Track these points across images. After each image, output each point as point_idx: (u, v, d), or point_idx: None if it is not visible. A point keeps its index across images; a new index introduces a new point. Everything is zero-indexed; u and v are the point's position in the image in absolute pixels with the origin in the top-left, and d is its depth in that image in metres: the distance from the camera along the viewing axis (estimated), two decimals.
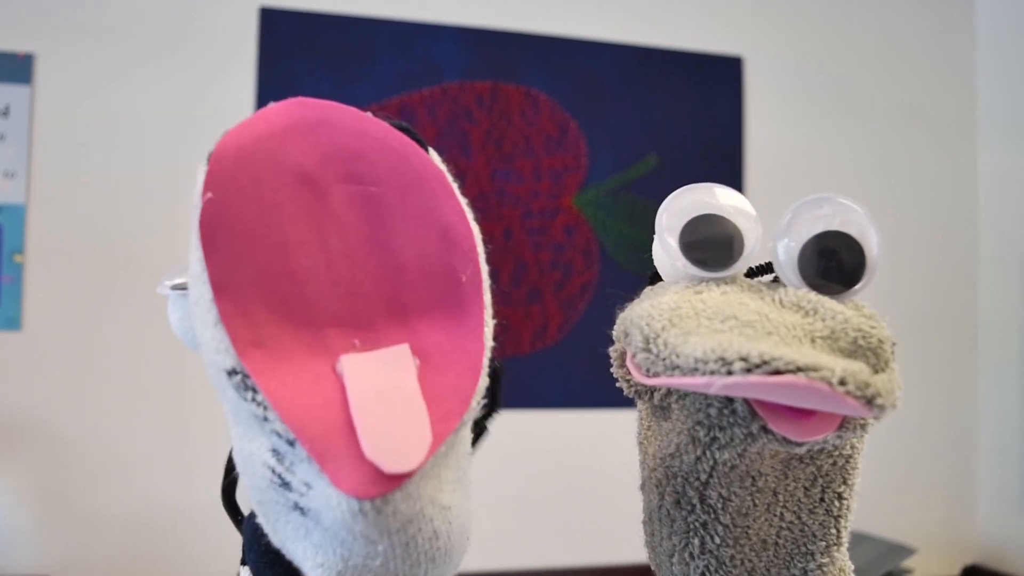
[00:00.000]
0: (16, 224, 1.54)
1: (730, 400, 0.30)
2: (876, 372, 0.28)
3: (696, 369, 0.28)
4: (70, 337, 1.56)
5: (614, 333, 0.36)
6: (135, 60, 1.62)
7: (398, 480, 0.26)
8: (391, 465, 0.25)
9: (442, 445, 0.28)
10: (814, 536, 0.35)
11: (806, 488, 0.35)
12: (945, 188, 2.06)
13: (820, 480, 0.35)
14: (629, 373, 0.37)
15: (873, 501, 2.03)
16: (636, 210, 1.83)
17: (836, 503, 0.35)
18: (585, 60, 1.84)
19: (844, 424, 0.30)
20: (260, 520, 0.33)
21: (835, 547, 0.36)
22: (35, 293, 1.55)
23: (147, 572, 1.54)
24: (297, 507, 0.29)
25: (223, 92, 1.65)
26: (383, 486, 0.25)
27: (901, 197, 2.01)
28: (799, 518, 0.35)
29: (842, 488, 0.35)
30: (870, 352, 0.29)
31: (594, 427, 1.77)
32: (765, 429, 0.30)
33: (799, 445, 0.31)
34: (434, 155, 0.33)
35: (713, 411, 0.31)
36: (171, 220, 1.60)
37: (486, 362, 0.31)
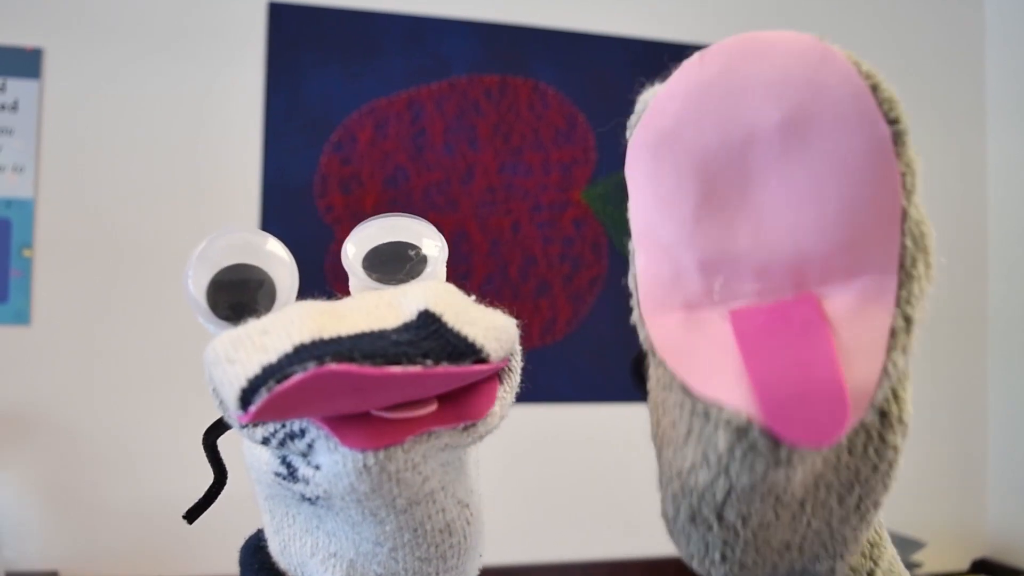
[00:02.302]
0: (25, 218, 1.54)
1: (745, 433, 0.26)
2: None
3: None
4: (78, 331, 1.56)
5: None
6: (143, 55, 1.62)
7: (399, 436, 0.27)
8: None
9: (442, 441, 0.28)
10: (845, 540, 0.32)
11: (840, 497, 0.31)
12: (954, 179, 2.05)
13: (858, 488, 0.31)
14: None
15: None
16: None
17: (872, 511, 0.31)
18: (593, 54, 1.83)
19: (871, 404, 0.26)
20: (265, 519, 0.34)
21: (860, 545, 0.33)
22: (44, 287, 1.55)
23: (154, 565, 1.54)
24: (305, 499, 0.30)
25: (231, 87, 1.65)
26: (385, 439, 0.26)
27: None
28: (828, 525, 0.32)
29: (882, 496, 0.31)
30: None
31: (602, 421, 1.77)
32: (795, 448, 0.25)
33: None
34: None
35: (722, 445, 0.27)
36: (179, 214, 1.61)
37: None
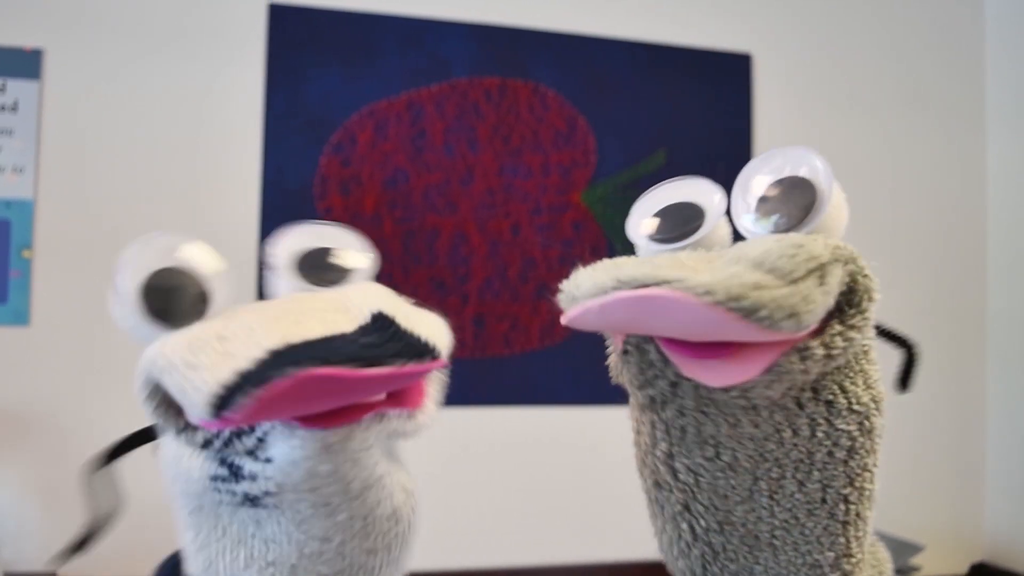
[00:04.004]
0: (24, 219, 1.54)
1: (645, 352, 0.31)
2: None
3: (586, 297, 0.28)
4: (77, 332, 1.56)
5: None
6: (143, 55, 1.62)
7: (355, 416, 0.28)
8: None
9: (391, 426, 0.30)
10: (819, 543, 0.32)
11: (800, 483, 0.32)
12: (954, 182, 2.05)
13: (817, 474, 0.32)
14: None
15: (880, 497, 2.02)
16: None
17: (841, 507, 0.32)
18: (593, 56, 1.83)
19: (774, 367, 0.29)
20: (188, 538, 0.33)
21: (845, 559, 0.33)
22: (43, 288, 1.55)
23: (154, 565, 1.54)
24: (248, 498, 0.30)
25: (231, 87, 1.65)
26: (343, 419, 0.28)
27: (910, 192, 2.00)
28: (795, 518, 0.32)
29: (847, 490, 0.32)
30: (775, 272, 0.27)
31: (602, 423, 1.76)
32: (682, 375, 0.30)
33: (726, 391, 0.30)
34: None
35: (634, 368, 0.32)
36: (179, 215, 1.61)
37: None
